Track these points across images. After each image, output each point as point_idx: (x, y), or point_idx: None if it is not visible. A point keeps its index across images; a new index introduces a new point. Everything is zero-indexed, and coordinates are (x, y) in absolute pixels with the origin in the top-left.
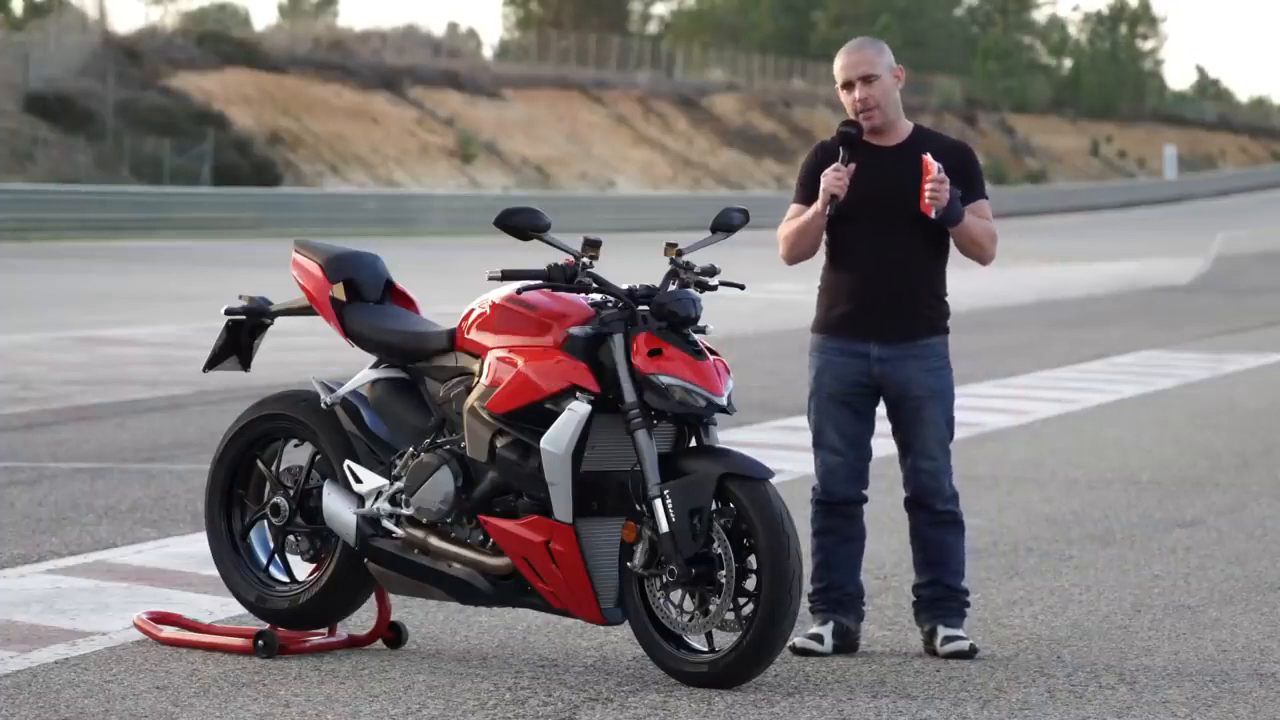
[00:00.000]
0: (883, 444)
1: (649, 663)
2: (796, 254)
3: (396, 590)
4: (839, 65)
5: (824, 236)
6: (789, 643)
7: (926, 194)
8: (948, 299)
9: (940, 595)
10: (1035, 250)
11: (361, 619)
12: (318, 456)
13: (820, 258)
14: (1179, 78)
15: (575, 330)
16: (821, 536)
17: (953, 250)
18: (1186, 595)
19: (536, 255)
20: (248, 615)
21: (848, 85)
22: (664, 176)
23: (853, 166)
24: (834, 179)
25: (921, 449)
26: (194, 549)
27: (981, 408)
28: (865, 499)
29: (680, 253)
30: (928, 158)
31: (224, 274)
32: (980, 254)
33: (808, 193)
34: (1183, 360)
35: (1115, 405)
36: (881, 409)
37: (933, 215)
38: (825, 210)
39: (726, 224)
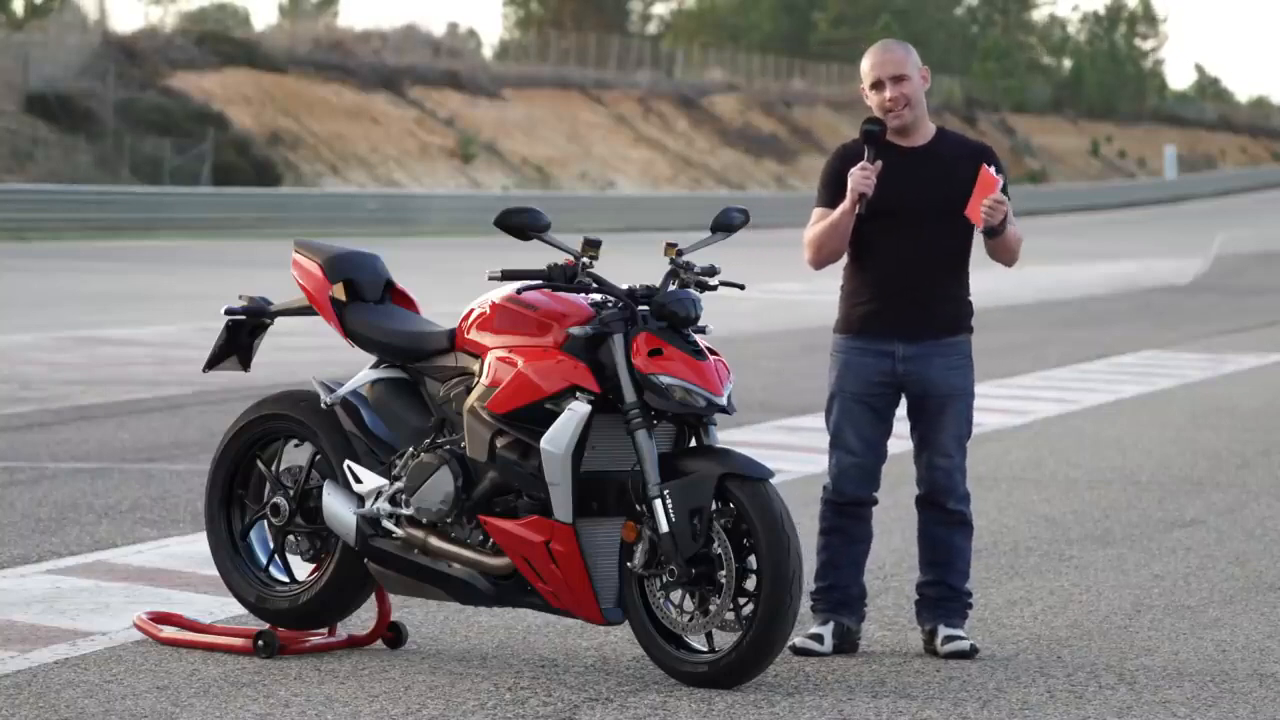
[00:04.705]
0: (890, 444)
1: (649, 663)
2: (825, 255)
3: (396, 590)
4: (869, 64)
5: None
6: (789, 643)
7: (983, 209)
8: (971, 298)
9: (944, 595)
10: (1035, 250)
11: (361, 619)
12: (318, 456)
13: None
14: (1179, 78)
15: (575, 330)
16: (828, 535)
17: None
18: (1186, 595)
19: (536, 255)
20: (248, 615)
21: (877, 85)
22: (664, 176)
23: (879, 164)
24: (861, 177)
25: (939, 446)
26: (194, 549)
27: (981, 408)
28: (875, 500)
29: (680, 253)
30: (989, 171)
31: (224, 274)
32: (1009, 259)
33: (831, 195)
34: (1183, 360)
35: (1115, 405)
36: (901, 409)
37: (981, 227)
38: (854, 209)
39: (726, 224)
